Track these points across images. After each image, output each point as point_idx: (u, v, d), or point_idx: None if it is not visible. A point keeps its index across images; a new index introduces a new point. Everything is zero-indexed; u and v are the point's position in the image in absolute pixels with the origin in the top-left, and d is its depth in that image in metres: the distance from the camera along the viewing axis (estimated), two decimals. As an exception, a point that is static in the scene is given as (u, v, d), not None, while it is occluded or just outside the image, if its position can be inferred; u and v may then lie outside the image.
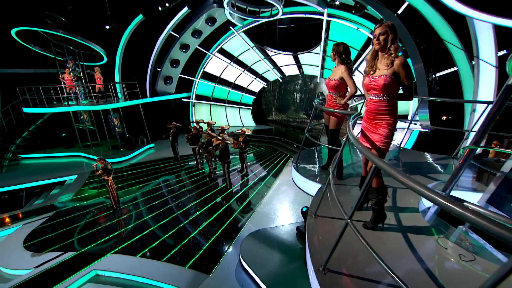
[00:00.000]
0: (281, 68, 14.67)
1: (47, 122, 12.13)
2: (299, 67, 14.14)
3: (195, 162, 9.88)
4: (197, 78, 14.62)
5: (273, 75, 14.84)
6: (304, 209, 4.94)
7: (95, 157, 10.08)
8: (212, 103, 15.56)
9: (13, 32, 10.28)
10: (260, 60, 14.08)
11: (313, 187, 3.17)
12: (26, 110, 11.24)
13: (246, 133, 8.47)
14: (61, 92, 11.24)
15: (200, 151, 9.36)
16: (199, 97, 15.20)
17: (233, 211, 6.85)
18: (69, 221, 6.66)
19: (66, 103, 11.70)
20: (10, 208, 8.47)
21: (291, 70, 14.56)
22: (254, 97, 16.03)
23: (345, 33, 10.10)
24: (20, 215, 7.03)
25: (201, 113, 15.66)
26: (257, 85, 15.78)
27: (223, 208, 7.00)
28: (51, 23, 11.06)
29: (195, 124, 9.76)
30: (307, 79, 15.82)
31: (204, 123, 10.69)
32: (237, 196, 7.74)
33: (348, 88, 3.33)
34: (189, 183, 8.75)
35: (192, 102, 15.06)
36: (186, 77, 14.45)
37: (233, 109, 15.96)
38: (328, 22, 10.23)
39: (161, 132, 13.67)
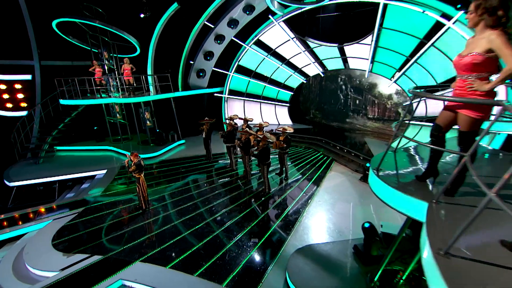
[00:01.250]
0: (323, 61, 13.71)
1: (81, 115, 12.27)
2: (345, 60, 13.10)
3: (229, 162, 9.48)
4: (231, 72, 14.09)
5: (313, 70, 14.01)
6: (367, 225, 4.18)
7: (125, 152, 10.37)
8: (246, 98, 15.08)
9: (54, 23, 10.59)
10: (300, 52, 13.27)
11: (408, 203, 2.42)
12: (62, 102, 11.64)
13: (288, 131, 7.97)
14: (95, 84, 11.39)
15: (235, 150, 9.11)
16: (233, 92, 14.70)
17: (272, 220, 6.33)
18: (98, 220, 6.54)
19: (98, 96, 11.93)
20: (44, 201, 8.88)
21: (334, 63, 13.60)
22: (292, 93, 15.43)
23: (405, 19, 8.96)
24: (55, 207, 7.20)
25: (234, 109, 15.13)
26: (295, 81, 15.10)
27: (261, 217, 6.46)
28: (88, 14, 11.30)
29: (229, 120, 9.20)
30: (352, 75, 14.54)
31: (240, 119, 10.10)
32: (276, 203, 7.15)
33: (497, 66, 2.20)
34: (222, 185, 8.37)
35: (225, 97, 14.62)
36: (220, 70, 14.06)
37: (269, 106, 15.40)
38: (385, 6, 9.14)
39: (192, 128, 13.76)
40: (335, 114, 15.76)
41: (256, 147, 7.52)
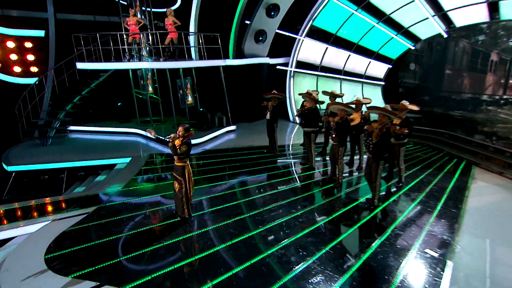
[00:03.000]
0: (448, 13, 11.16)
1: (102, 86, 12.01)
2: (493, 6, 10.21)
3: (307, 156, 8.40)
4: (301, 36, 13.23)
5: (429, 28, 12.13)
6: None
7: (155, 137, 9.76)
8: (321, 73, 14.02)
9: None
10: (412, 1, 10.91)
11: None
12: (79, 66, 11.19)
13: (410, 108, 7.02)
14: (121, 43, 11.05)
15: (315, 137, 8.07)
16: (302, 65, 13.89)
17: (396, 257, 4.72)
18: (113, 227, 5.53)
19: (126, 59, 11.31)
20: (48, 193, 8.38)
21: (470, 15, 10.90)
22: (389, 66, 14.14)
23: None
24: (63, 204, 6.53)
25: (302, 87, 13.64)
26: (395, 47, 13.72)
27: (373, 249, 4.86)
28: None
29: (311, 94, 7.94)
30: (504, 31, 11.28)
31: (327, 93, 8.65)
32: (396, 223, 5.61)
33: None
34: (297, 190, 7.09)
35: (291, 71, 13.81)
36: (286, 33, 13.41)
37: (353, 84, 14.21)
38: None
39: (246, 110, 13.13)
40: (462, 100, 13.12)
41: (367, 133, 5.99)
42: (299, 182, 7.62)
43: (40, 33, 11.79)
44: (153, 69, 12.24)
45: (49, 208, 6.34)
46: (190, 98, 11.96)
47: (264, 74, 14.19)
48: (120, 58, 11.49)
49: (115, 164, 9.09)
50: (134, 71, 12.33)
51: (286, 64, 13.92)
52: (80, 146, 10.38)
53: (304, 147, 8.87)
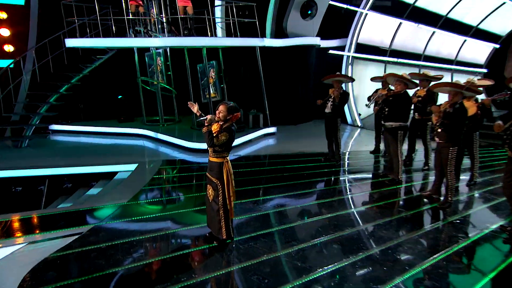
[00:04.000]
0: None
1: (97, 73, 11.98)
2: None
3: (388, 164, 8.23)
4: (364, 8, 13.22)
5: None
6: None
7: (167, 138, 10.70)
8: (390, 59, 13.81)
9: None
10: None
11: None
12: (69, 43, 10.92)
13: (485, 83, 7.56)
14: (126, 14, 11.04)
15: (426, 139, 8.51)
16: (364, 48, 13.87)
17: None
18: (118, 254, 5.03)
19: (132, 33, 11.12)
20: (22, 211, 7.58)
21: None
22: (496, 46, 13.81)
23: None
24: (45, 221, 6.23)
25: (364, 79, 13.22)
26: (504, 20, 13.26)
27: None
28: None
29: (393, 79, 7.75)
30: None
31: (417, 76, 8.50)
32: None
33: None
34: (384, 211, 6.62)
35: (348, 56, 13.75)
36: (343, 5, 13.41)
37: (438, 73, 13.43)
38: None
39: (289, 108, 13.33)
40: None
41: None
42: (382, 201, 7.04)
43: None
44: (165, 51, 12.16)
45: (25, 227, 5.98)
46: (212, 91, 11.91)
47: (312, 61, 13.96)
48: (123, 35, 11.34)
49: (115, 173, 8.75)
50: (141, 53, 12.22)
51: (341, 48, 13.90)
52: (67, 149, 10.28)
53: (385, 151, 8.98)
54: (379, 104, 8.31)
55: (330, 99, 8.57)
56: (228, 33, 11.75)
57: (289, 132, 12.44)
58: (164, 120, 12.20)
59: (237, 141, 10.29)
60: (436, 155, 6.45)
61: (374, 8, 13.14)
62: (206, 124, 4.68)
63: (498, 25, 13.87)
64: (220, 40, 11.19)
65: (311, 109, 13.48)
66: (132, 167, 8.77)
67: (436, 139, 6.18)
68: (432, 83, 7.72)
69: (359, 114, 13.42)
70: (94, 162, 9.01)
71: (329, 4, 13.37)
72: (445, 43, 13.86)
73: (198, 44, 10.73)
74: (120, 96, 12.92)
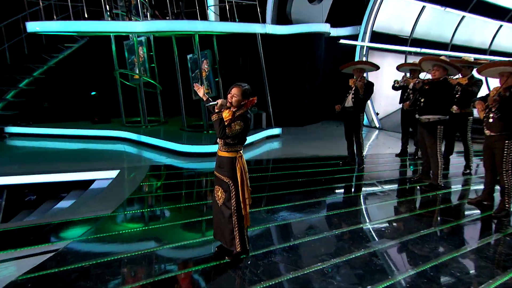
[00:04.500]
0: None
1: (66, 65, 12.05)
2: None
3: (422, 167, 8.28)
4: None
5: None
6: None
7: (152, 141, 10.81)
8: (414, 49, 13.79)
9: None
10: None
11: None
12: (31, 27, 10.55)
13: None
14: None
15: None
16: (381, 37, 13.93)
17: None
18: (107, 274, 4.78)
19: (108, 17, 11.08)
20: None
21: None
22: None
23: None
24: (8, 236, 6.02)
25: (381, 71, 13.20)
26: None
27: None
28: None
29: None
30: None
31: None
32: None
33: None
34: (427, 221, 6.58)
35: (362, 47, 13.88)
36: None
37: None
38: None
39: (294, 107, 13.62)
40: None
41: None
42: (422, 210, 6.93)
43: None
44: (148, 39, 12.08)
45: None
46: (206, 86, 11.88)
47: (321, 52, 14.06)
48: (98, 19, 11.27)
49: (90, 182, 8.60)
50: (119, 42, 12.11)
51: (354, 37, 14.00)
52: (28, 155, 10.09)
53: (415, 153, 9.37)
54: (410, 96, 8.27)
55: (351, 91, 8.46)
56: (223, 19, 11.85)
57: (295, 134, 12.50)
58: (147, 121, 12.23)
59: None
60: (485, 152, 6.31)
61: None
62: (216, 111, 4.45)
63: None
64: (216, 25, 11.05)
65: (320, 109, 13.55)
66: (113, 173, 8.62)
67: (487, 131, 6.07)
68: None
69: (377, 114, 13.37)
70: (63, 168, 8.83)
71: (340, -14, 13.47)
72: (477, 30, 13.93)
73: (189, 29, 10.62)
74: (93, 93, 12.84)
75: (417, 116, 7.48)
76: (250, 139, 11.01)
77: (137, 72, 12.14)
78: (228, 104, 4.47)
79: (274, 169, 9.29)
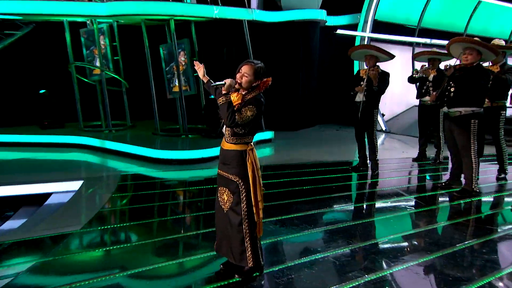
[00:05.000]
0: None
1: (6, 58, 12.03)
2: None
3: (452, 170, 8.25)
4: None
5: None
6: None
7: (120, 147, 10.83)
8: (422, 40, 14.31)
9: None
10: None
11: None
12: None
13: None
14: None
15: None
16: (383, 27, 14.30)
17: None
18: None
19: None
20: None
21: None
22: None
23: None
24: None
25: (385, 66, 13.51)
26: None
27: None
28: None
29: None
30: None
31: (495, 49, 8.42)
32: None
33: None
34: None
35: (363, 37, 14.22)
36: None
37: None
38: None
39: (286, 109, 13.89)
40: None
41: None
42: (460, 218, 6.87)
43: None
44: (111, 26, 12.09)
45: None
46: (183, 82, 11.84)
47: (316, 43, 14.19)
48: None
49: (46, 196, 8.43)
50: (74, 30, 11.93)
51: (353, 27, 14.15)
52: None
53: (436, 158, 9.55)
54: (430, 89, 8.53)
55: (362, 82, 8.44)
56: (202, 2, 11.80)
57: (290, 139, 12.65)
58: (110, 125, 12.14)
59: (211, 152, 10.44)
60: None
61: None
62: (223, 92, 4.28)
63: None
64: (197, 9, 11.03)
65: (316, 110, 13.63)
66: (74, 186, 8.41)
67: None
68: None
69: (383, 115, 13.47)
70: (8, 181, 8.60)
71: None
72: (495, 16, 14.20)
73: (165, 12, 10.62)
74: (42, 91, 12.50)
75: (445, 109, 7.43)
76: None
77: (98, 66, 11.98)
78: (236, 86, 4.31)
79: (274, 176, 9.22)
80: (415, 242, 6.13)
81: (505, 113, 8.22)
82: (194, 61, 4.70)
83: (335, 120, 14.29)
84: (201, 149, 10.26)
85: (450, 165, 8.06)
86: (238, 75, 4.25)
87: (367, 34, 13.86)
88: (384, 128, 13.44)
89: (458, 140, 7.32)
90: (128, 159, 9.99)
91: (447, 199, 7.85)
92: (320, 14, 13.34)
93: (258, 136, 11.82)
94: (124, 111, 12.54)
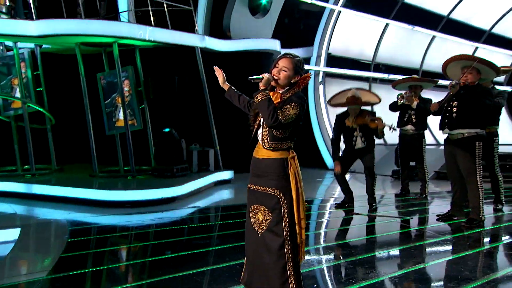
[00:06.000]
0: None
1: None
2: None
3: (481, 201, 7.85)
4: (336, 4, 13.91)
5: None
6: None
7: (49, 190, 10.22)
8: (377, 74, 14.68)
9: None
10: None
11: None
12: None
13: None
14: None
15: None
16: (338, 61, 14.60)
17: None
18: None
19: None
20: None
21: None
22: None
23: None
24: None
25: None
26: None
27: None
28: None
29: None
30: None
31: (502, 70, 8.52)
32: None
33: None
34: None
35: (318, 72, 14.28)
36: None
37: (439, 94, 14.46)
38: None
39: (242, 144, 13.21)
40: None
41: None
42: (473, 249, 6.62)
43: None
44: (33, 52, 11.46)
45: None
46: (130, 116, 11.26)
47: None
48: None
49: None
50: None
51: (306, 61, 14.45)
52: None
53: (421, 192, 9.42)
54: (412, 118, 8.67)
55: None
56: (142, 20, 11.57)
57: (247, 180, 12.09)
58: (35, 169, 11.13)
59: (179, 190, 9.88)
60: None
61: (349, 3, 13.78)
62: (261, 88, 3.82)
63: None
64: (150, 31, 10.45)
65: None
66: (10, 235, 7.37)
67: None
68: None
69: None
70: None
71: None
72: (448, 52, 14.42)
73: (110, 33, 10.11)
74: None
75: (446, 132, 7.30)
76: (197, 184, 10.64)
77: (22, 96, 11.13)
78: (272, 83, 3.89)
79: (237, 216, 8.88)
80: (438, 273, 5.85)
81: (498, 139, 8.21)
82: (214, 67, 4.42)
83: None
84: (164, 186, 9.59)
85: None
86: (274, 70, 3.87)
87: (322, 68, 14.02)
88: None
89: (462, 165, 7.15)
90: (61, 204, 8.94)
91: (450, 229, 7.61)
92: (274, 45, 13.34)
93: (216, 176, 11.51)
94: (49, 152, 11.63)
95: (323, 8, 14.06)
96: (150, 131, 11.39)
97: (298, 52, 13.36)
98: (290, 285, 3.87)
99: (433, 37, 14.65)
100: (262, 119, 3.91)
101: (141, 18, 12.15)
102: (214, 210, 9.71)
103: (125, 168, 11.19)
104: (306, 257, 5.52)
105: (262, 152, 3.91)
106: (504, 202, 8.34)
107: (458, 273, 5.47)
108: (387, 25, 13.98)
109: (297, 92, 3.85)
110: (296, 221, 3.88)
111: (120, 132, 11.25)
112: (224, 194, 11.04)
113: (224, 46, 12.61)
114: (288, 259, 3.85)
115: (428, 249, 6.77)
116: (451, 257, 6.24)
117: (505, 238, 7.25)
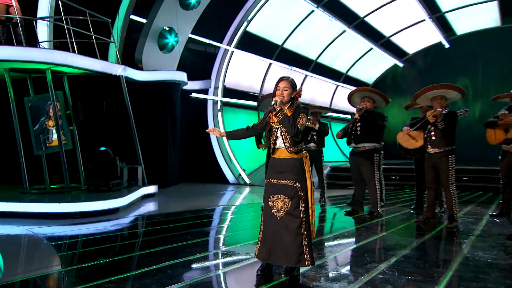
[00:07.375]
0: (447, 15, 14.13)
1: None
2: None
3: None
4: (230, 45, 13.96)
5: (424, 36, 15.54)
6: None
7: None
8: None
9: None
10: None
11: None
12: None
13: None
14: None
15: None
16: (231, 93, 14.66)
17: None
18: None
19: None
20: None
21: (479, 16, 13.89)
22: None
23: None
24: None
25: (234, 126, 13.72)
26: (375, 66, 16.82)
27: None
28: None
29: None
30: None
31: None
32: None
33: None
34: None
35: (216, 102, 14.40)
36: (205, 40, 14.25)
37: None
38: None
39: (161, 161, 13.19)
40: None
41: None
42: None
43: None
44: None
45: None
46: (63, 136, 10.51)
47: (179, 104, 13.90)
48: None
49: None
50: None
51: (205, 91, 14.37)
52: None
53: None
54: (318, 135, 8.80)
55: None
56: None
57: (172, 193, 12.09)
58: None
59: (125, 200, 9.48)
60: (428, 169, 7.10)
61: (241, 45, 13.85)
62: (277, 109, 4.40)
63: (366, 73, 16.53)
64: (81, 60, 9.96)
65: (180, 168, 13.35)
66: None
67: (431, 149, 6.85)
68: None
69: (244, 170, 13.15)
70: None
71: (190, 37, 13.70)
72: (319, 88, 15.46)
73: (45, 59, 9.41)
74: None
75: (352, 145, 7.79)
76: (132, 197, 10.13)
77: None
78: (278, 102, 4.46)
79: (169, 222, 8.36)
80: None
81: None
82: (208, 130, 4.88)
83: (194, 178, 14.01)
84: (104, 198, 9.00)
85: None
86: (278, 92, 4.35)
87: (220, 98, 14.03)
88: (247, 182, 13.20)
89: (364, 171, 7.70)
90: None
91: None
92: (181, 77, 13.19)
93: (145, 190, 11.17)
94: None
95: (218, 48, 14.18)
96: (79, 151, 10.81)
97: (198, 84, 14.17)
98: (305, 255, 4.21)
99: (306, 75, 15.11)
100: (279, 132, 4.32)
101: (58, 49, 10.77)
102: (159, 217, 9.12)
103: (52, 186, 10.49)
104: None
105: (286, 154, 4.30)
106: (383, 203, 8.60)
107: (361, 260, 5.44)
108: (270, 64, 14.26)
109: (298, 104, 4.34)
110: (310, 205, 4.35)
111: (51, 152, 10.53)
112: (152, 206, 10.62)
113: (141, 76, 12.42)
114: (304, 235, 4.22)
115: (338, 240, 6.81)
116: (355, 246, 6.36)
117: (401, 226, 7.36)
